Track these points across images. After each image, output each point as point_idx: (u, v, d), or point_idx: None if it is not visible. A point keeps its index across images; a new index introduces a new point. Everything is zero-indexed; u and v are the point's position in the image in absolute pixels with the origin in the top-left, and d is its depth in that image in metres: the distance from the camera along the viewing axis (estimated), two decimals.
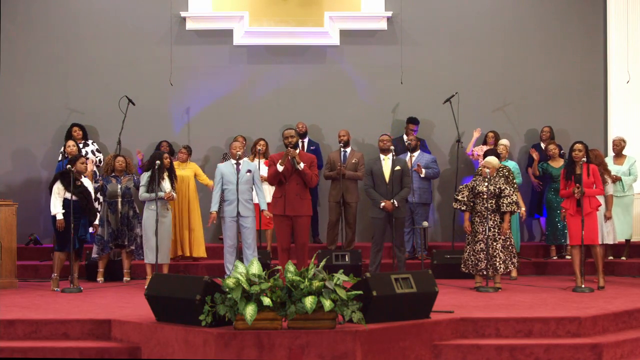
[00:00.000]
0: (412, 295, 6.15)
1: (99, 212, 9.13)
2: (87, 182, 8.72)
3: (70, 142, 9.92)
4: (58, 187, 8.47)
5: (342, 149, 10.01)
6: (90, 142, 10.49)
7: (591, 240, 8.21)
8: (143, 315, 6.42)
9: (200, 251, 9.88)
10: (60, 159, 10.15)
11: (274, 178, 8.10)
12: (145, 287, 6.67)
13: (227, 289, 5.67)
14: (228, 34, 11.25)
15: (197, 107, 11.25)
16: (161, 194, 8.60)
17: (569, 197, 8.24)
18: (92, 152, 10.36)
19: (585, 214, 8.16)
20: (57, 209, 8.44)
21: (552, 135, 10.64)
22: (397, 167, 8.70)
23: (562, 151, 10.00)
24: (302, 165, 7.99)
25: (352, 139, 10.53)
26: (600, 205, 8.38)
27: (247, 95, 11.27)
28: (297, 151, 8.10)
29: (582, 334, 6.37)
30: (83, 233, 8.54)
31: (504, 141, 9.98)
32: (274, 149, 10.94)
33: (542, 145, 10.59)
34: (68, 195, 8.41)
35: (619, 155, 9.84)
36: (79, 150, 9.98)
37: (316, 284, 5.64)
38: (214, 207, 8.45)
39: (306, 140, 10.59)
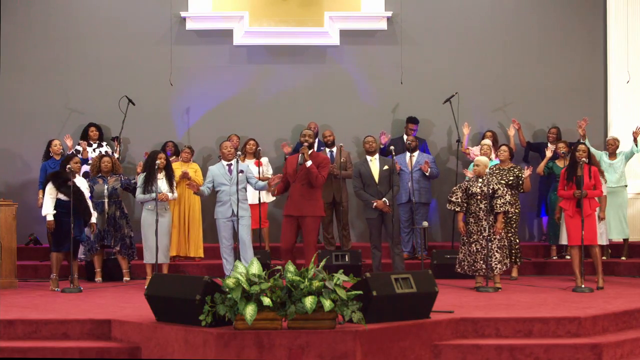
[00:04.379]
0: (412, 295, 6.15)
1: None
2: (80, 182, 8.64)
3: (56, 142, 9.86)
4: (50, 188, 8.42)
5: (328, 149, 9.99)
6: (104, 143, 10.45)
7: (590, 241, 8.26)
8: (143, 315, 6.42)
9: (198, 251, 9.86)
10: (44, 159, 9.91)
11: (283, 183, 8.27)
12: (145, 287, 6.67)
13: (227, 289, 5.67)
14: (228, 34, 11.23)
15: (197, 107, 11.23)
16: (153, 195, 8.59)
17: (568, 197, 8.29)
18: (106, 153, 10.31)
19: (586, 215, 8.21)
20: (47, 209, 8.39)
21: (559, 135, 10.60)
22: (385, 167, 8.69)
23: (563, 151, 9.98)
24: (309, 162, 7.99)
25: (352, 139, 10.51)
26: (598, 206, 8.47)
27: (247, 95, 11.24)
28: (310, 151, 8.11)
29: (582, 334, 6.37)
30: (77, 233, 8.46)
31: (486, 141, 9.93)
32: (273, 149, 10.95)
33: (550, 145, 10.55)
34: (61, 195, 8.37)
35: (612, 153, 9.93)
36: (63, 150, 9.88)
37: (316, 284, 5.64)
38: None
39: (316, 140, 10.50)
